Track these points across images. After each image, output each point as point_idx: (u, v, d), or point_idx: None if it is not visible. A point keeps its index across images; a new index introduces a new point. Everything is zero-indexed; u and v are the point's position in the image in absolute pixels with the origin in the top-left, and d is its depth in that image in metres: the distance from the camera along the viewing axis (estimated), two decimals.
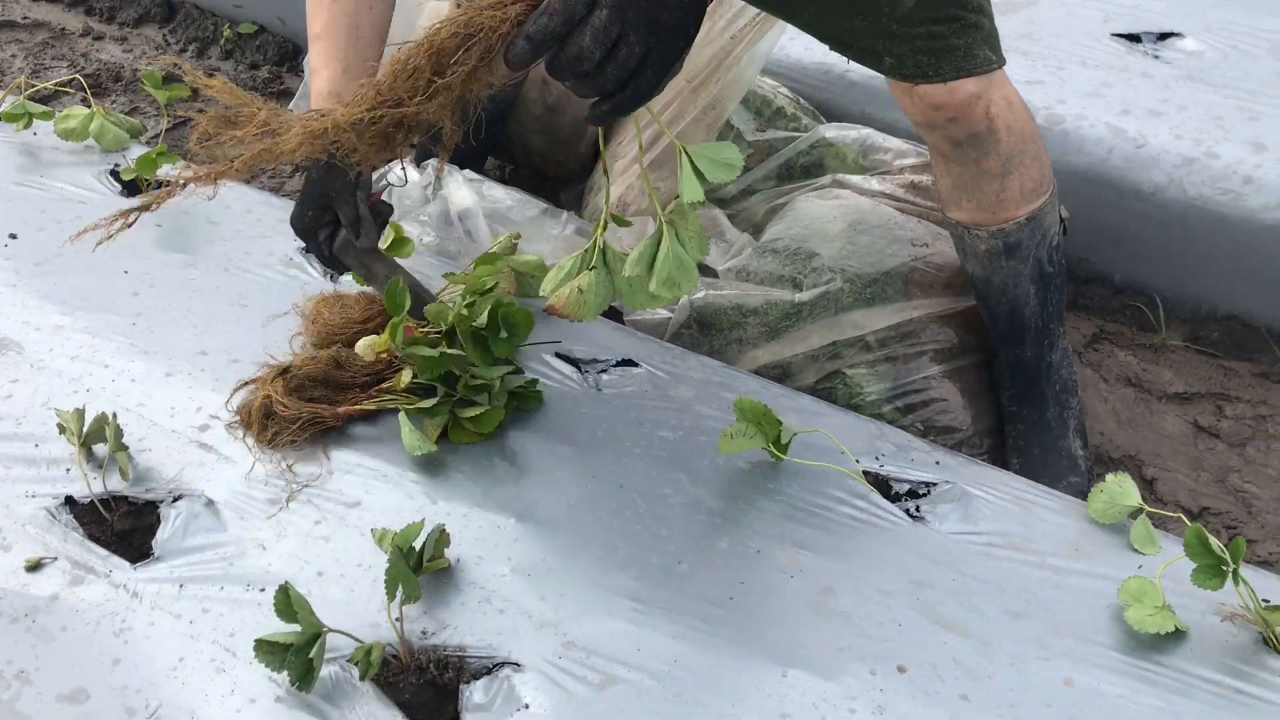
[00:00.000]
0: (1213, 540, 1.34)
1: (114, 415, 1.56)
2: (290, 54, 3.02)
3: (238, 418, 1.61)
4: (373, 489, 1.52)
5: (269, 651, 1.27)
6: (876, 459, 1.60)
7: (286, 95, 2.90)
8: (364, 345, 1.61)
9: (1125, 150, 2.15)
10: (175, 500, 1.51)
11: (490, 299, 1.62)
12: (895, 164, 2.13)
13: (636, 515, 1.50)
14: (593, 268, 1.34)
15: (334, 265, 1.72)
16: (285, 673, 1.27)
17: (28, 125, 2.22)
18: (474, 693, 1.29)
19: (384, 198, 1.73)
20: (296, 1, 2.93)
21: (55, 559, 1.44)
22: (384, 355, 1.62)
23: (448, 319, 1.59)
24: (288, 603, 1.27)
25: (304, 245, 1.74)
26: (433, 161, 2.20)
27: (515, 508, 1.50)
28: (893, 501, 1.54)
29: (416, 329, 1.61)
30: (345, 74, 1.59)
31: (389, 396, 1.59)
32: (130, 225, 1.46)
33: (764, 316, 1.94)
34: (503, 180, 2.37)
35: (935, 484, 1.56)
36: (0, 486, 1.53)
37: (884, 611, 1.38)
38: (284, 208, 2.09)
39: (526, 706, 1.28)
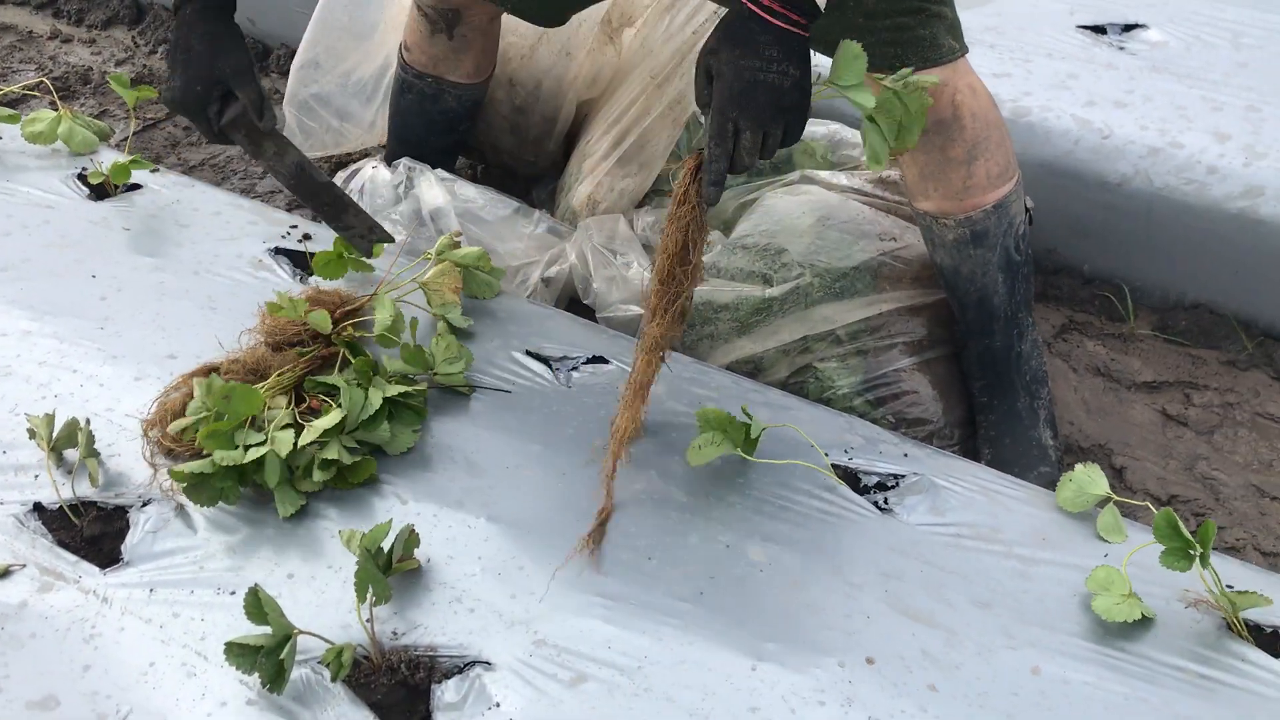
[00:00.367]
0: (1182, 525, 1.35)
1: (87, 421, 1.56)
2: (260, 55, 3.01)
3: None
4: (340, 490, 1.52)
5: (240, 654, 1.27)
6: (846, 452, 1.61)
7: None
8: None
9: (1091, 141, 2.16)
10: (145, 505, 1.50)
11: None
12: (863, 159, 2.13)
13: None
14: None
15: (221, 140, 1.66)
16: (256, 675, 1.27)
17: None
18: (445, 692, 1.30)
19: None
20: (267, 2, 2.94)
21: (24, 566, 1.44)
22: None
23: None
24: (258, 605, 1.27)
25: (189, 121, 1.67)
26: (404, 161, 2.20)
27: (485, 507, 1.51)
28: (862, 494, 1.55)
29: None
30: None
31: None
32: None
33: (735, 312, 1.95)
34: (474, 179, 2.37)
35: (904, 476, 1.57)
36: None
37: (852, 604, 1.39)
38: (254, 210, 2.09)
39: (498, 705, 1.28)
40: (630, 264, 2.01)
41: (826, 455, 1.58)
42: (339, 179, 2.24)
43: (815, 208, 2.01)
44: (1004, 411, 1.91)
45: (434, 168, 2.19)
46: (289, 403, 1.55)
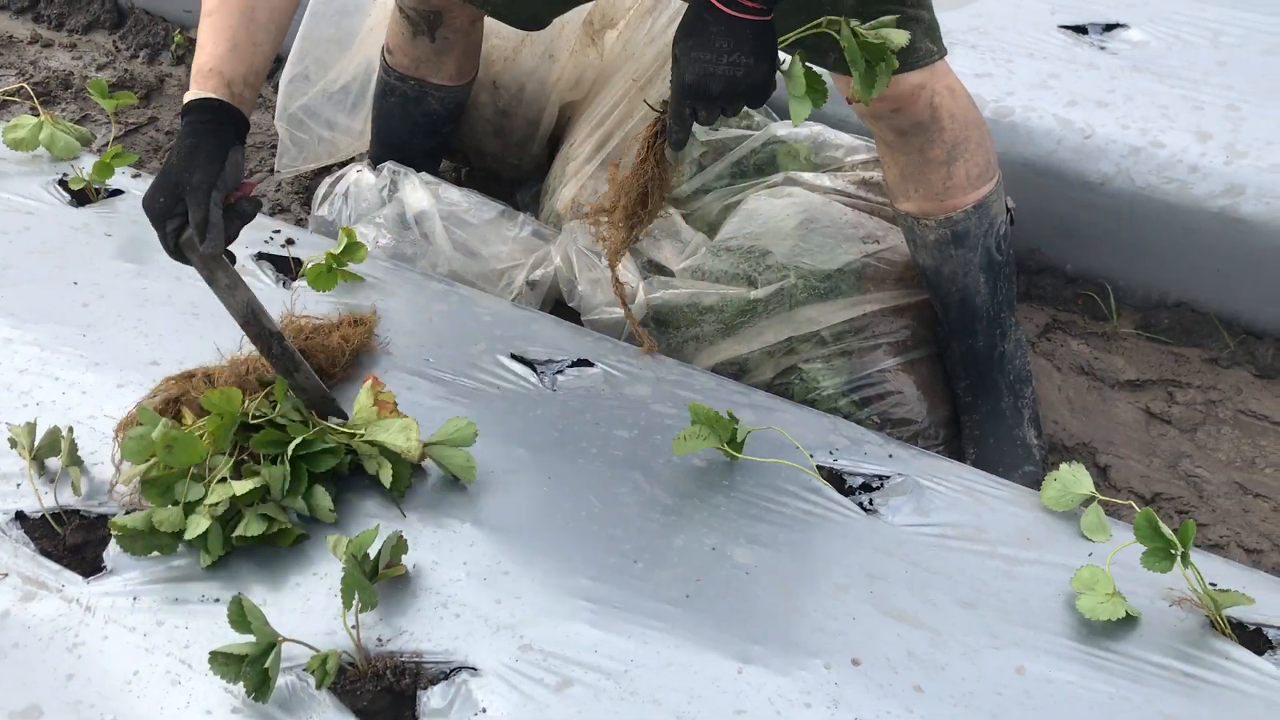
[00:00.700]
0: (1162, 525, 1.36)
1: (70, 430, 1.55)
2: None
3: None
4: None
5: (224, 663, 1.26)
6: (831, 453, 1.61)
7: None
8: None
9: (1073, 141, 2.17)
10: (128, 513, 1.49)
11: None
12: (847, 160, 2.14)
13: (592, 516, 1.50)
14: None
15: (179, 258, 1.56)
16: (241, 684, 1.27)
17: None
18: (431, 698, 1.30)
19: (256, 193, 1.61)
20: None
21: (6, 575, 1.43)
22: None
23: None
24: (242, 613, 1.26)
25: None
26: (389, 164, 2.19)
27: (471, 512, 1.50)
28: (847, 495, 1.55)
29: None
30: (232, 52, 1.52)
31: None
32: None
33: (720, 314, 1.95)
34: (458, 182, 2.37)
35: (888, 477, 1.58)
36: None
37: (838, 605, 1.40)
38: None
39: (484, 710, 1.28)
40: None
41: (811, 456, 1.58)
42: (324, 184, 2.23)
43: (799, 209, 2.01)
44: (988, 411, 1.91)
45: (418, 171, 2.18)
46: (234, 448, 1.51)
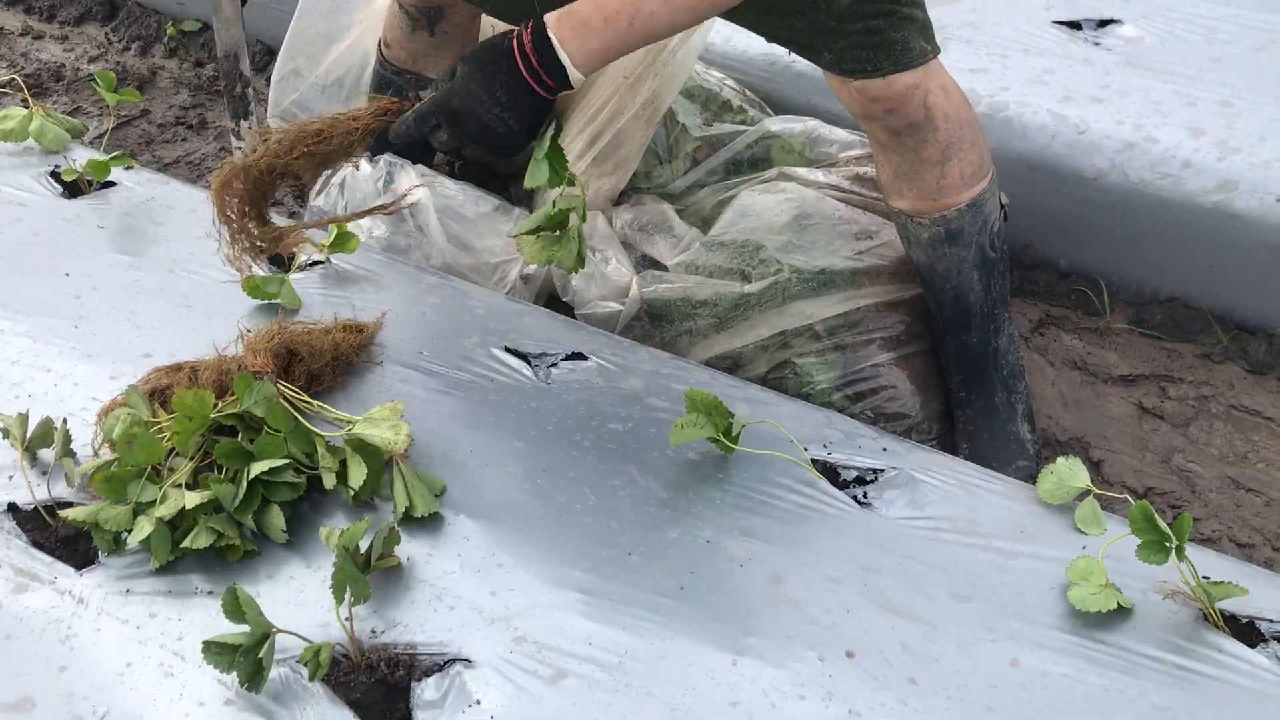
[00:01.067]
0: (1158, 517, 1.36)
1: (64, 421, 1.54)
2: None
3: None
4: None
5: (217, 653, 1.26)
6: (825, 447, 1.61)
7: None
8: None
9: (1067, 136, 2.17)
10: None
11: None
12: (841, 156, 2.14)
13: (586, 508, 1.50)
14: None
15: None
16: (234, 674, 1.26)
17: None
18: (425, 690, 1.29)
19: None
20: None
21: None
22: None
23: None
24: (236, 604, 1.26)
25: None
26: (385, 156, 2.19)
27: (465, 503, 1.50)
28: (841, 489, 1.55)
29: None
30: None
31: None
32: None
33: (714, 308, 1.95)
34: (453, 175, 2.36)
35: (882, 470, 1.58)
36: None
37: (832, 598, 1.40)
38: None
39: (478, 702, 1.28)
40: (609, 260, 2.01)
41: (806, 450, 1.58)
42: (321, 176, 2.23)
43: (793, 204, 2.01)
44: (981, 406, 1.92)
45: (415, 164, 2.18)
46: (198, 451, 1.49)
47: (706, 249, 2.00)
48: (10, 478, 1.53)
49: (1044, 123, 2.20)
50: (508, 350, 1.75)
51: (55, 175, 2.11)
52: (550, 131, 1.43)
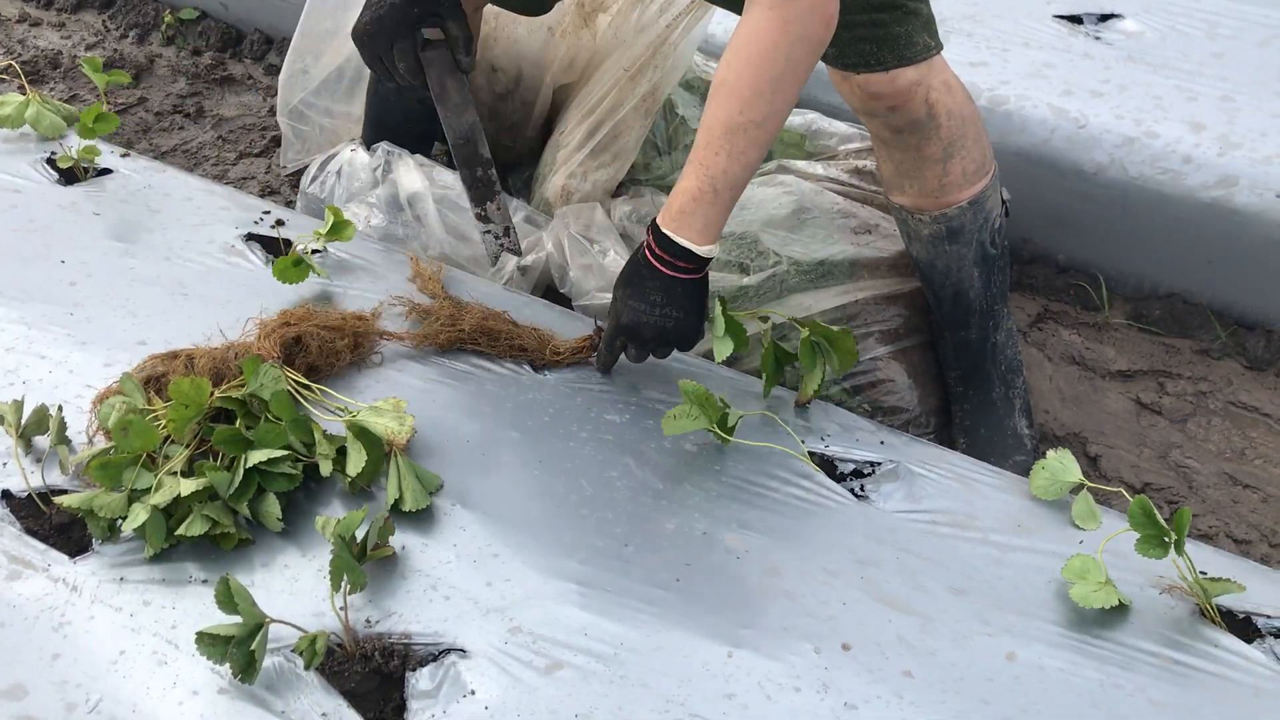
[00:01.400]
0: (1157, 512, 1.36)
1: (59, 408, 1.53)
2: (233, 40, 2.98)
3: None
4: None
5: (211, 644, 1.25)
6: (822, 439, 1.61)
7: (229, 82, 2.86)
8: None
9: (1067, 131, 2.17)
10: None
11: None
12: (840, 149, 2.13)
13: (583, 499, 1.50)
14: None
15: (409, 76, 1.63)
16: (227, 665, 1.26)
17: None
18: (420, 680, 1.29)
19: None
20: None
21: None
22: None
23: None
24: (229, 594, 1.25)
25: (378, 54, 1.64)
26: (383, 145, 2.18)
27: (461, 494, 1.50)
28: (838, 481, 1.55)
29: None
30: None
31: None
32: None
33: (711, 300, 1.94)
34: (451, 165, 2.36)
35: (880, 463, 1.57)
36: None
37: (829, 591, 1.39)
38: (226, 196, 2.07)
39: (473, 693, 1.27)
40: (607, 252, 2.00)
41: (803, 442, 1.58)
42: (315, 161, 2.22)
43: (792, 197, 2.00)
44: (979, 401, 1.91)
45: (413, 153, 2.17)
46: (194, 439, 1.48)
47: None
48: (4, 465, 1.52)
49: (1044, 117, 2.19)
50: None
51: (51, 162, 2.10)
52: (718, 309, 1.57)
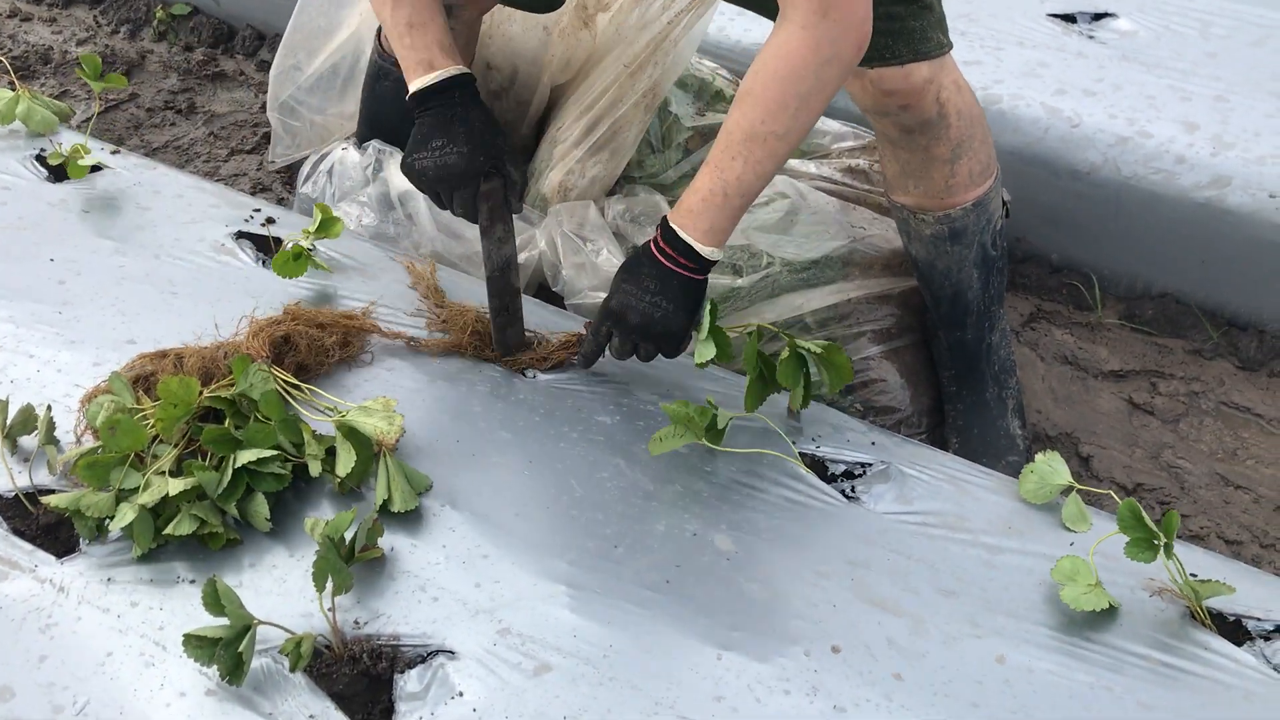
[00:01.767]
0: (1146, 515, 1.35)
1: (47, 407, 1.53)
2: (225, 35, 2.97)
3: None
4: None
5: (198, 646, 1.25)
6: (813, 440, 1.60)
7: (221, 78, 2.85)
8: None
9: (1061, 130, 2.17)
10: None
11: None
12: (833, 148, 2.13)
13: (573, 500, 1.49)
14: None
15: (466, 212, 1.66)
16: (215, 667, 1.25)
17: None
18: (408, 682, 1.29)
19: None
20: None
21: None
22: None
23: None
24: (216, 596, 1.25)
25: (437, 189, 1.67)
26: (374, 143, 2.17)
27: (451, 494, 1.49)
28: (829, 483, 1.54)
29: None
30: (447, 34, 1.63)
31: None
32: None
33: None
34: None
35: (871, 464, 1.57)
36: None
37: (819, 592, 1.39)
38: (216, 193, 2.06)
39: (461, 694, 1.27)
40: (600, 251, 2.00)
41: (794, 443, 1.57)
42: (309, 161, 2.21)
43: (784, 197, 2.00)
44: (972, 401, 1.91)
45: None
46: (182, 438, 1.47)
47: None
48: None
49: (1037, 116, 2.19)
50: None
51: (41, 159, 2.09)
52: (708, 313, 1.56)
